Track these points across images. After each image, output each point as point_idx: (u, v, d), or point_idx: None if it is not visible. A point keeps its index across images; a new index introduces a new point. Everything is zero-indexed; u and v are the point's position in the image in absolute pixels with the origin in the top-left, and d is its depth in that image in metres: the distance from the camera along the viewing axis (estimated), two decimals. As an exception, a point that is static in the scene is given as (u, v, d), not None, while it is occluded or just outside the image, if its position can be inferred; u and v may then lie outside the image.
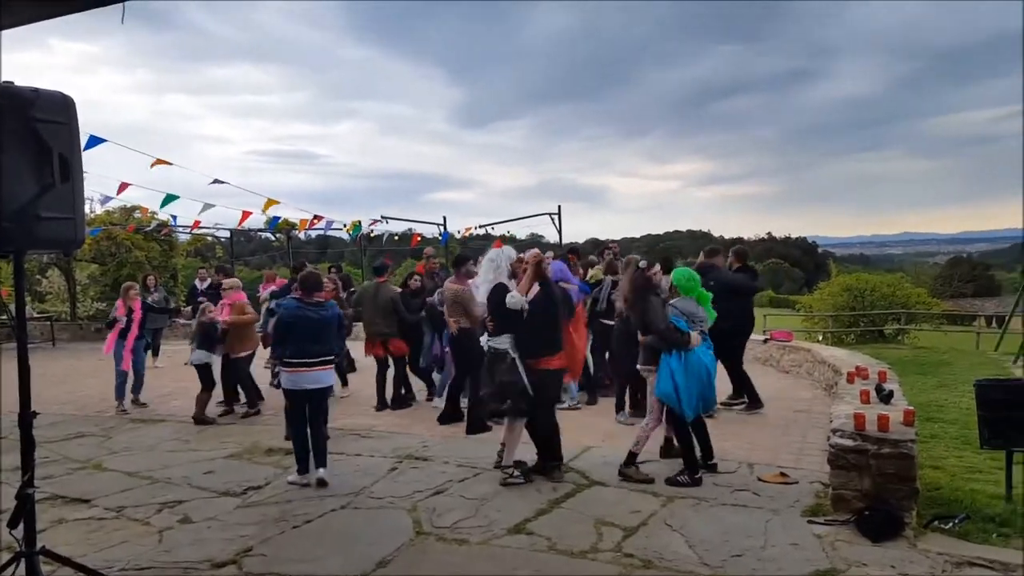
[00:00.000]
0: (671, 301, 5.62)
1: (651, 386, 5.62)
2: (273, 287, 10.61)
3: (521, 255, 5.85)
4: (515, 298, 5.30)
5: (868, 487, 4.35)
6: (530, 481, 5.43)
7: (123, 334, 8.84)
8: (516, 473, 5.47)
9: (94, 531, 4.80)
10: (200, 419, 8.02)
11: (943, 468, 5.61)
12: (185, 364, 9.56)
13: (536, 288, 5.48)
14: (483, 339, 5.78)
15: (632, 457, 5.50)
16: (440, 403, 7.93)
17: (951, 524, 4.31)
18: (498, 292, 5.48)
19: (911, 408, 4.86)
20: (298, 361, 5.59)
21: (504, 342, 5.46)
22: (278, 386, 6.28)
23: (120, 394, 8.84)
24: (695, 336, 5.40)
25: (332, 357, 5.85)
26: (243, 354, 8.29)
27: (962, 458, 5.94)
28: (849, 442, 4.44)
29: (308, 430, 5.72)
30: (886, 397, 5.35)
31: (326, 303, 5.92)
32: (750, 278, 8.08)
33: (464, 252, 8.90)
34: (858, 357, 8.67)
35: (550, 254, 6.99)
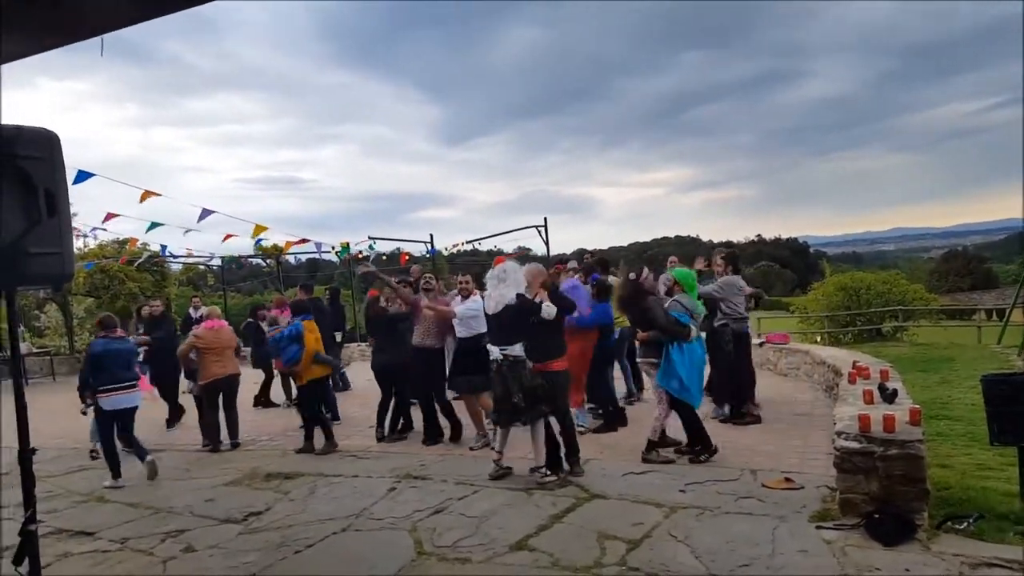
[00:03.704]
0: (675, 297, 6.22)
1: (654, 378, 6.21)
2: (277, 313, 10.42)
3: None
4: (549, 308, 5.72)
5: (876, 490, 4.29)
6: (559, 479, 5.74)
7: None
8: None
9: (99, 564, 4.78)
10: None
11: (952, 467, 5.55)
12: (184, 393, 9.52)
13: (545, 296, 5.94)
14: (495, 349, 5.81)
15: (651, 444, 6.17)
16: None
17: (965, 524, 4.23)
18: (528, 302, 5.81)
19: (917, 407, 4.78)
20: (114, 387, 6.66)
21: (519, 349, 5.73)
22: (84, 413, 7.13)
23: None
24: (694, 329, 6.07)
25: (136, 382, 6.97)
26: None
27: (971, 455, 5.88)
28: (855, 444, 4.39)
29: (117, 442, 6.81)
30: (890, 396, 5.30)
31: (126, 338, 7.20)
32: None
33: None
34: (858, 356, 8.63)
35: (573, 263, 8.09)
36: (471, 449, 6.99)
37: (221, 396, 8.09)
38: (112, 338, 6.83)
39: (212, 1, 3.26)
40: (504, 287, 5.81)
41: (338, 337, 11.00)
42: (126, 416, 6.88)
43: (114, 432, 6.84)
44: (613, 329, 7.62)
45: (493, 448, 6.07)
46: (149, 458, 6.86)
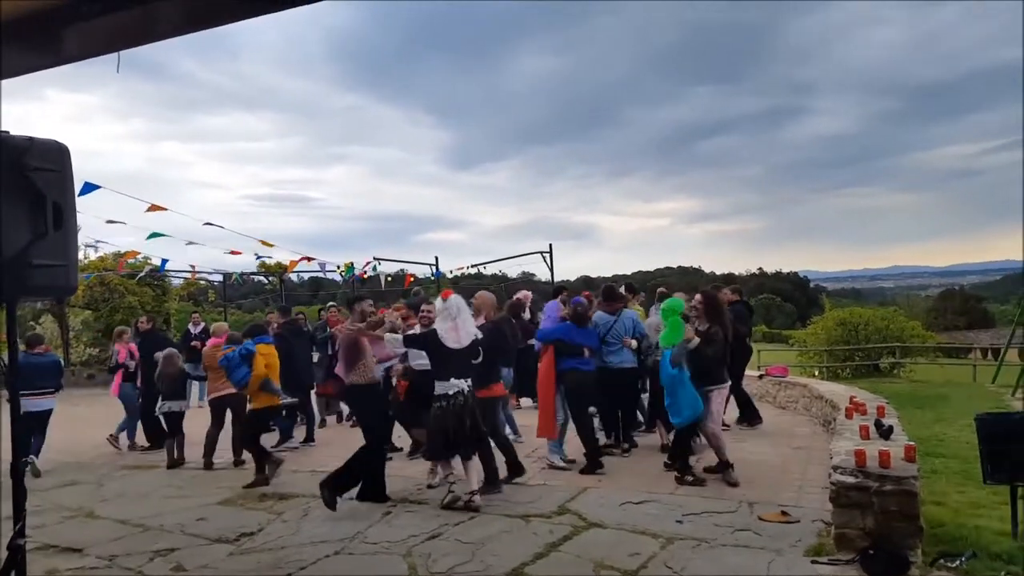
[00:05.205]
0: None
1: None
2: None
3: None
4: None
5: (871, 525, 4.28)
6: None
7: (130, 377, 9.37)
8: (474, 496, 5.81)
9: (86, 581, 4.70)
10: (174, 464, 8.13)
11: (946, 504, 5.54)
12: (155, 414, 9.06)
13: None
14: (460, 382, 5.77)
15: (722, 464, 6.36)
16: None
17: (957, 562, 4.22)
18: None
19: (912, 443, 4.81)
20: (30, 392, 7.68)
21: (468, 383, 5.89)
22: None
23: (132, 434, 9.40)
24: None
25: (52, 390, 8.27)
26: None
27: (964, 493, 5.87)
28: (851, 479, 4.38)
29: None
30: (886, 432, 5.31)
31: (46, 353, 8.61)
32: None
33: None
34: (855, 392, 8.63)
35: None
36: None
37: (229, 413, 8.05)
38: (32, 353, 8.15)
39: (218, 26, 3.33)
40: (464, 319, 5.88)
41: (315, 358, 10.47)
42: (35, 418, 7.87)
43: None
44: (583, 352, 6.94)
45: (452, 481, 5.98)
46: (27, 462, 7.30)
